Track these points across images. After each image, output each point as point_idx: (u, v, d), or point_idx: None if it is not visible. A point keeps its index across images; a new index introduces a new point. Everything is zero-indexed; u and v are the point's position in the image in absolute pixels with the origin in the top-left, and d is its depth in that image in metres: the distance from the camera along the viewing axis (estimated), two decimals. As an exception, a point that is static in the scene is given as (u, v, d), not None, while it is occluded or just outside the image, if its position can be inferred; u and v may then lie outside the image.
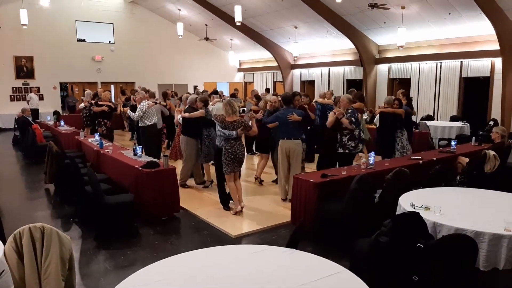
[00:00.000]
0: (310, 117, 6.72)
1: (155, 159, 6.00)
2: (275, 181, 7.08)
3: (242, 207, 5.66)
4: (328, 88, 16.33)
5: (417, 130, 9.62)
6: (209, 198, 6.38)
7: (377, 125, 8.70)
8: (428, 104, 13.60)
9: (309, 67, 18.03)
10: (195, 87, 16.45)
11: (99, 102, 9.57)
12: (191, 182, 7.16)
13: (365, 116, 11.94)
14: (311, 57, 17.76)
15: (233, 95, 12.59)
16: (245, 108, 11.74)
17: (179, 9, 17.56)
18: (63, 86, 18.65)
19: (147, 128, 7.65)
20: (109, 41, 18.46)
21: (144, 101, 7.64)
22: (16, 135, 12.37)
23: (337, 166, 6.12)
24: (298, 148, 6.09)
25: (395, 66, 14.63)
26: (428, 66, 13.53)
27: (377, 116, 8.66)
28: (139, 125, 7.83)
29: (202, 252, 2.86)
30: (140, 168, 5.44)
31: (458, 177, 5.47)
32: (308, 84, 18.56)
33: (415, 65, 13.92)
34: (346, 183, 4.63)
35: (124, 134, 13.78)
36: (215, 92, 8.26)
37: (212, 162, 6.63)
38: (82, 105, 11.47)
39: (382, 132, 8.06)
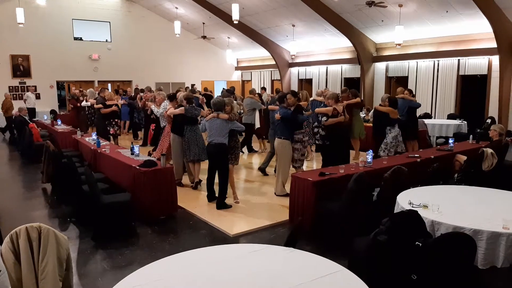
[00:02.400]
0: (296, 118, 6.81)
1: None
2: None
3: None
4: (326, 86, 16.34)
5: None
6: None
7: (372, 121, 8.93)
8: (426, 102, 13.60)
9: (306, 65, 18.02)
10: (192, 85, 16.36)
11: (107, 103, 9.47)
12: (185, 180, 7.13)
13: (363, 114, 11.97)
14: (309, 55, 17.75)
15: (228, 91, 12.55)
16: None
17: (176, 8, 17.51)
18: (60, 85, 18.57)
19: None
20: (106, 40, 18.40)
21: (164, 101, 7.68)
22: (12, 134, 12.32)
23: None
24: (281, 146, 6.29)
25: (392, 64, 14.64)
26: (426, 64, 13.54)
27: (371, 113, 8.85)
28: (161, 125, 7.85)
29: (200, 252, 2.85)
30: (137, 167, 5.42)
31: (456, 175, 5.48)
32: (306, 83, 18.55)
33: (412, 63, 13.93)
34: (344, 182, 4.62)
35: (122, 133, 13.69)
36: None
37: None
38: (86, 103, 11.36)
39: (374, 129, 8.22)
